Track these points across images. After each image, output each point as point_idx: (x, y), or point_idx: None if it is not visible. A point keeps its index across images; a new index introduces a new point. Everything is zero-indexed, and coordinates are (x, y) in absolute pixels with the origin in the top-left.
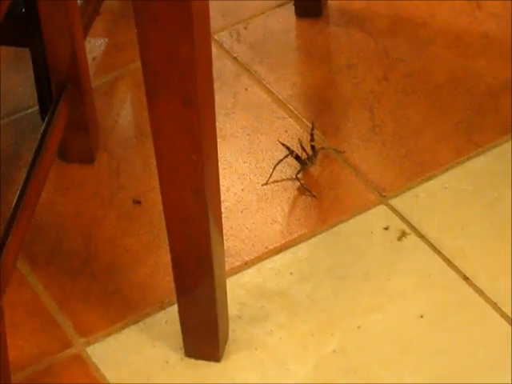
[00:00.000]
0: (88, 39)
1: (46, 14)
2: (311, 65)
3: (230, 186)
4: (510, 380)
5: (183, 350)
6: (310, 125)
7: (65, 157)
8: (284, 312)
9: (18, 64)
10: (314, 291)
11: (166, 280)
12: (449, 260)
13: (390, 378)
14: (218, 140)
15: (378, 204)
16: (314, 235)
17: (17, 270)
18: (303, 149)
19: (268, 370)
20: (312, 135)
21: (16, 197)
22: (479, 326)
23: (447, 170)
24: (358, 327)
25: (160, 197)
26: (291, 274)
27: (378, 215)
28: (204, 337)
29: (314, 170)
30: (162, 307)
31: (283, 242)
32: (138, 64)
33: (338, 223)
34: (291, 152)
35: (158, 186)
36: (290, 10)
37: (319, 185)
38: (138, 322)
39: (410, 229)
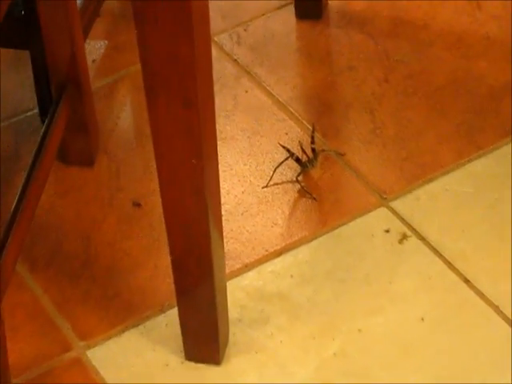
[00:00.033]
0: (88, 41)
1: (45, 16)
2: (312, 67)
3: (231, 189)
4: (511, 382)
5: (183, 353)
6: (310, 127)
7: (65, 159)
8: (284, 315)
9: (18, 66)
10: (314, 294)
11: (166, 283)
12: (450, 262)
13: (391, 380)
14: (218, 142)
15: (379, 206)
16: (315, 238)
17: (16, 273)
18: (304, 151)
19: (269, 373)
20: (312, 137)
21: (16, 199)
22: (480, 329)
23: (448, 172)
24: (359, 330)
25: (160, 199)
26: (292, 276)
27: (378, 218)
28: (204, 340)
29: (315, 172)
30: (162, 310)
31: (284, 244)
32: (138, 66)
33: (338, 226)
34: (292, 154)
35: (158, 189)
36: (290, 11)
37: (320, 187)
38: (138, 325)
39: (411, 231)
